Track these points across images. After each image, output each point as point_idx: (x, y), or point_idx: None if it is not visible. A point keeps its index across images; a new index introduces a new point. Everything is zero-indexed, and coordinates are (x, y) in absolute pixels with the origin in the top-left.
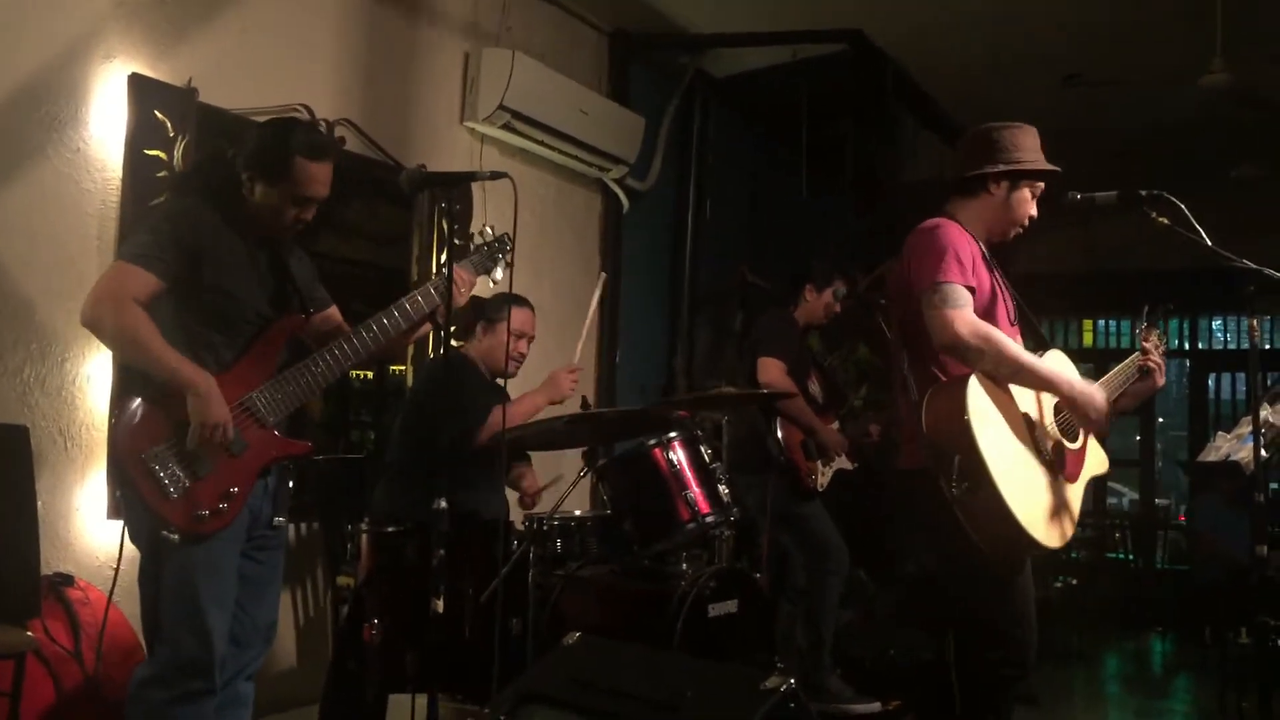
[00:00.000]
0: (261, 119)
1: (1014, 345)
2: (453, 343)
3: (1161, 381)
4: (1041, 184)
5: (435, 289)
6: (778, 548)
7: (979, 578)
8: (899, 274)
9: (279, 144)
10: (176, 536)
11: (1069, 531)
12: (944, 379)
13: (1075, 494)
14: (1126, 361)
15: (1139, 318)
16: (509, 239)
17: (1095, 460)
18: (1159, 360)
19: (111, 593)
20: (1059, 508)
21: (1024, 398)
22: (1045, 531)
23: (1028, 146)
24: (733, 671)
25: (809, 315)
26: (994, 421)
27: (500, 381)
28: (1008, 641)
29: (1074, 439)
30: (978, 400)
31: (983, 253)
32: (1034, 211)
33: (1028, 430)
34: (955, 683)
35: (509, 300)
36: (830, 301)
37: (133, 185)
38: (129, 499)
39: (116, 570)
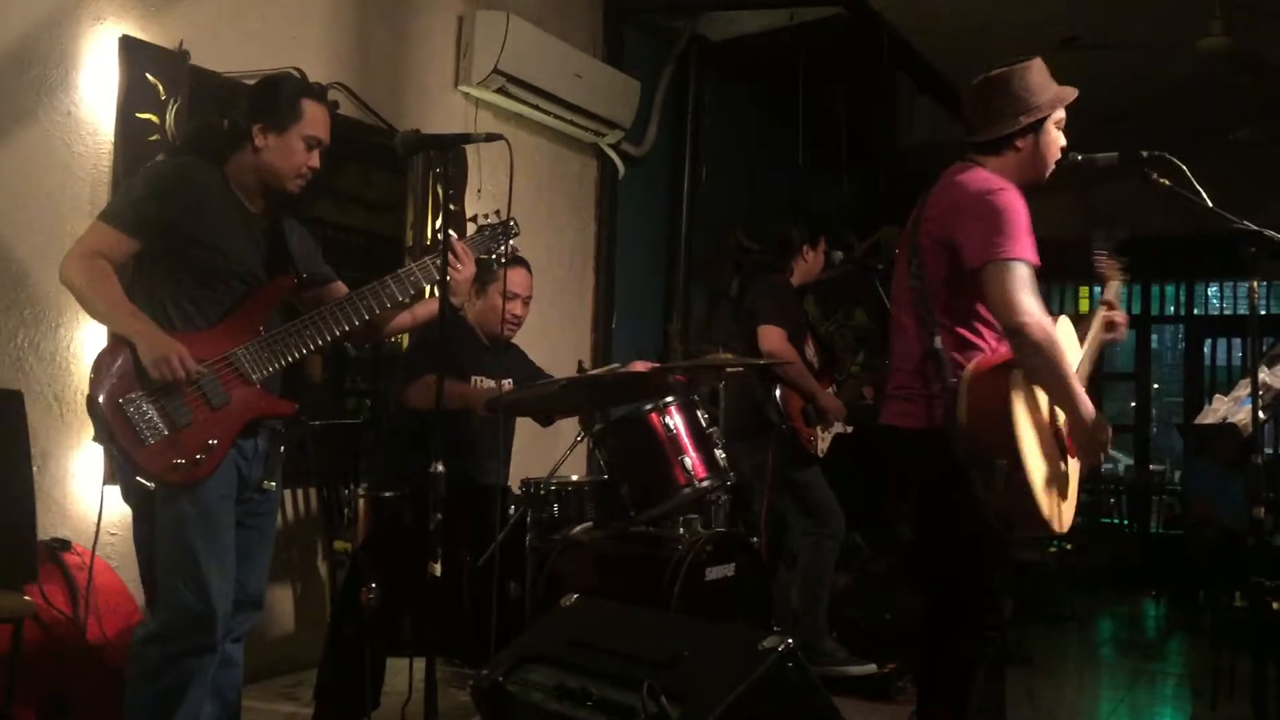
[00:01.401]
0: (253, 82)
1: (1068, 362)
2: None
3: (1121, 335)
4: (1062, 112)
5: (434, 265)
6: (775, 512)
7: (979, 546)
8: (936, 224)
9: (284, 91)
10: (152, 485)
11: (1072, 512)
12: (984, 349)
13: (1075, 471)
14: (1094, 330)
15: (1098, 242)
16: (514, 228)
17: None
18: (1121, 316)
19: (95, 547)
20: (1068, 492)
21: None
22: (1060, 519)
23: (1038, 85)
24: (731, 631)
25: (806, 275)
26: (1030, 420)
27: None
28: (996, 606)
29: None
30: (1020, 396)
31: None
32: (1063, 141)
33: (1050, 421)
34: (934, 646)
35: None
36: (823, 256)
37: (124, 148)
38: (109, 450)
39: (97, 529)
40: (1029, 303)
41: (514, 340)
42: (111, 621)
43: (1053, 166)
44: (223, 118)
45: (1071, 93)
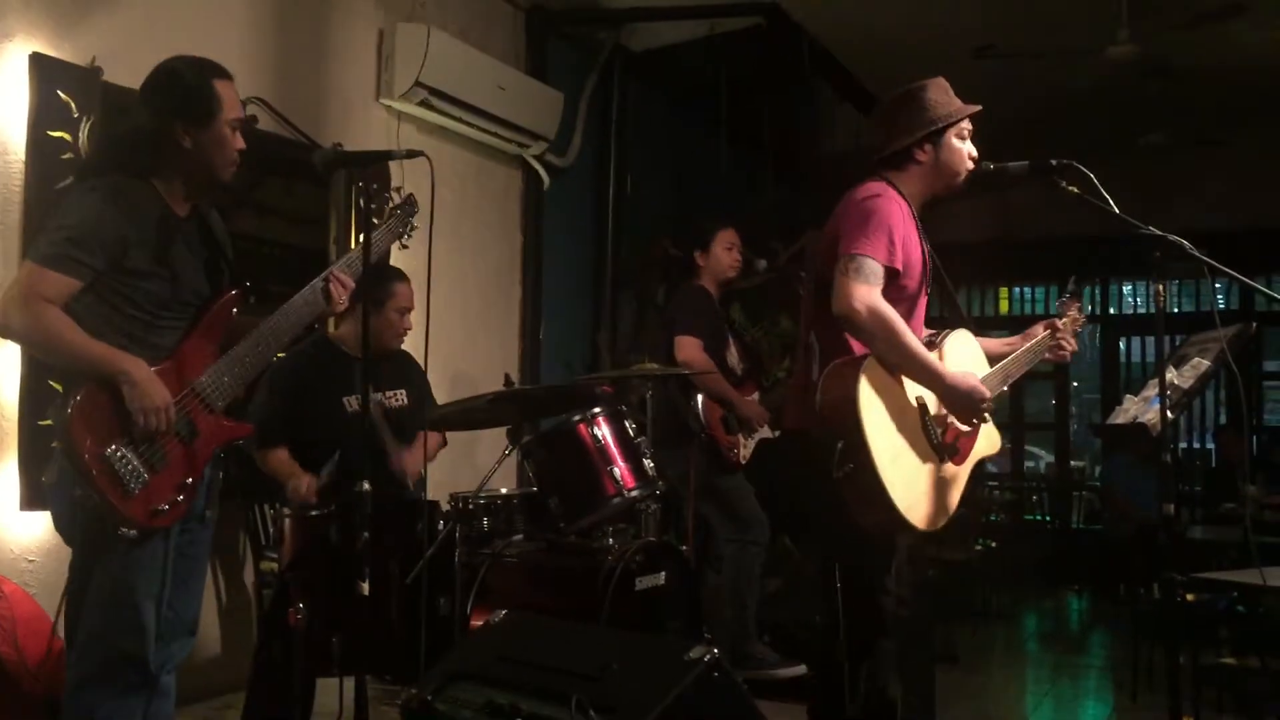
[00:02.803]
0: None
1: (908, 336)
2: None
3: (1067, 358)
4: (967, 125)
5: (320, 292)
6: (701, 519)
7: (860, 542)
8: (827, 235)
9: (194, 80)
10: (134, 533)
11: (949, 514)
12: (852, 351)
13: (961, 478)
14: (1038, 340)
15: (1064, 288)
16: (415, 201)
17: (987, 441)
18: (1070, 342)
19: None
20: (941, 493)
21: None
22: (923, 516)
23: (938, 101)
24: (657, 643)
25: (715, 276)
26: (883, 407)
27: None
28: (883, 592)
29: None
30: (870, 384)
31: (917, 225)
32: (973, 151)
33: (920, 416)
34: (842, 641)
35: (393, 276)
36: (725, 251)
37: (36, 167)
38: (82, 497)
39: None
40: (859, 290)
41: (433, 350)
42: (32, 651)
43: (963, 175)
44: (130, 125)
45: (973, 108)
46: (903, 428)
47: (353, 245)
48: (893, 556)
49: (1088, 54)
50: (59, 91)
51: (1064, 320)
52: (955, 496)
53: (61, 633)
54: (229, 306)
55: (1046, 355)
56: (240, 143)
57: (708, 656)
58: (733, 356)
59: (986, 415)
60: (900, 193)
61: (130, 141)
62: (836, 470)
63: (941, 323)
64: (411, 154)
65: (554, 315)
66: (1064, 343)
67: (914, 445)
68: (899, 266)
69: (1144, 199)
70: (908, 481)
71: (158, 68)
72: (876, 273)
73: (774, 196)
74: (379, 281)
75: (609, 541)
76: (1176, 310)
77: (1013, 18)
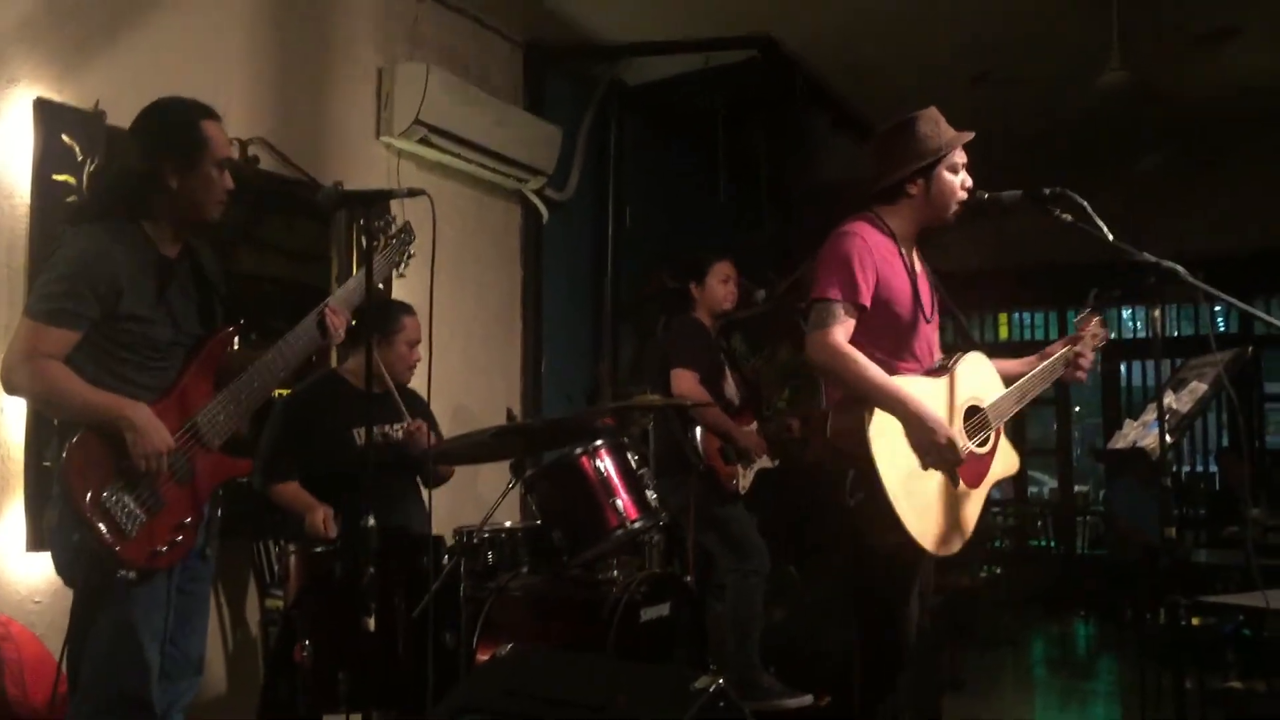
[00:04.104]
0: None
1: (868, 369)
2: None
3: (1083, 378)
4: (960, 157)
5: (315, 325)
6: (702, 549)
7: (875, 565)
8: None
9: (181, 120)
10: (134, 574)
11: (965, 537)
12: None
13: (976, 499)
14: (1054, 358)
15: (1067, 302)
16: (411, 229)
17: (1004, 463)
18: (1089, 357)
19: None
20: (954, 517)
21: (934, 406)
22: (935, 541)
23: (928, 134)
24: (664, 673)
25: (711, 307)
26: (893, 434)
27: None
28: (902, 619)
29: (983, 444)
30: (879, 414)
31: (903, 254)
32: (967, 182)
33: None
34: (858, 664)
35: (400, 310)
36: (720, 284)
37: (40, 211)
38: (80, 540)
39: None
40: (815, 336)
41: (435, 384)
42: (38, 692)
43: (955, 207)
44: (120, 166)
45: (964, 137)
46: (912, 455)
47: None
48: (913, 585)
49: (1081, 80)
50: (63, 135)
51: (1082, 338)
52: (970, 518)
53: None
54: (222, 344)
55: (1066, 374)
56: (228, 182)
57: (713, 686)
58: (730, 388)
59: (950, 450)
60: (886, 227)
61: (119, 183)
62: (849, 499)
63: (953, 349)
64: (413, 192)
65: (555, 348)
66: (1082, 359)
67: (924, 470)
68: (863, 301)
69: (1141, 222)
70: (919, 507)
71: (145, 109)
72: (834, 313)
73: (771, 227)
74: (387, 315)
75: (613, 573)
76: (1176, 334)
77: (1006, 46)
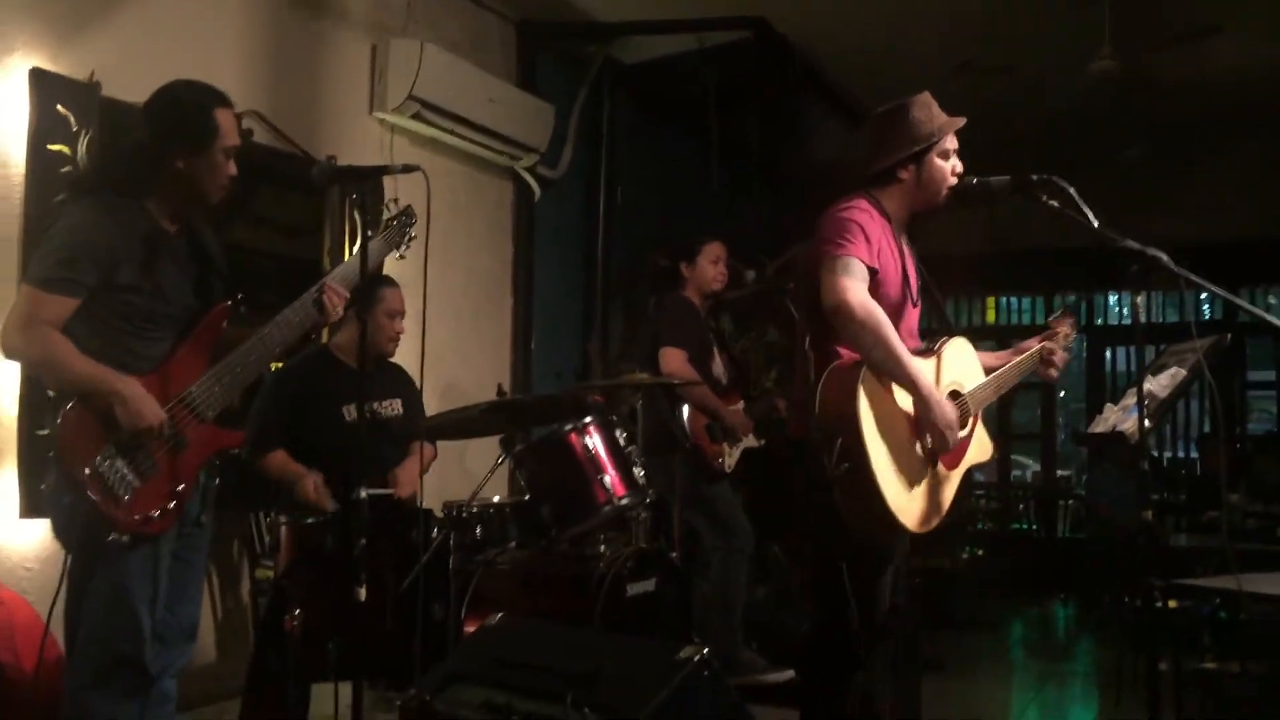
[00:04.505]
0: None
1: (895, 336)
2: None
3: (1055, 377)
4: (952, 140)
5: (313, 303)
6: (688, 527)
7: (856, 547)
8: (812, 252)
9: (194, 106)
10: (127, 538)
11: (940, 516)
12: (843, 359)
13: (952, 482)
14: (1029, 354)
15: (1050, 298)
16: (414, 212)
17: (978, 448)
18: (1061, 359)
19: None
20: (932, 495)
21: None
22: (914, 517)
23: (921, 119)
24: (649, 644)
25: (700, 288)
26: (880, 411)
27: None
28: (876, 595)
29: (962, 429)
30: (868, 388)
31: (894, 236)
32: (958, 167)
33: (911, 422)
34: (823, 641)
35: (380, 281)
36: (711, 264)
37: (36, 181)
38: (73, 504)
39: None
40: (848, 282)
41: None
42: (29, 657)
43: (945, 191)
44: (129, 143)
45: (957, 123)
46: (896, 431)
47: (347, 255)
48: (888, 563)
49: (1070, 68)
50: (58, 106)
51: (1057, 337)
52: (947, 500)
53: (54, 638)
54: (218, 319)
55: (1039, 371)
56: (233, 169)
57: (697, 656)
58: (718, 367)
59: (954, 436)
60: (881, 208)
61: (126, 159)
62: (834, 468)
63: (933, 335)
64: (408, 168)
65: (545, 325)
66: (1055, 360)
67: (907, 449)
68: (877, 268)
69: (1128, 211)
70: (900, 483)
71: (161, 89)
72: (862, 272)
73: (762, 208)
74: (367, 287)
75: (601, 549)
76: (1161, 320)
77: (996, 33)
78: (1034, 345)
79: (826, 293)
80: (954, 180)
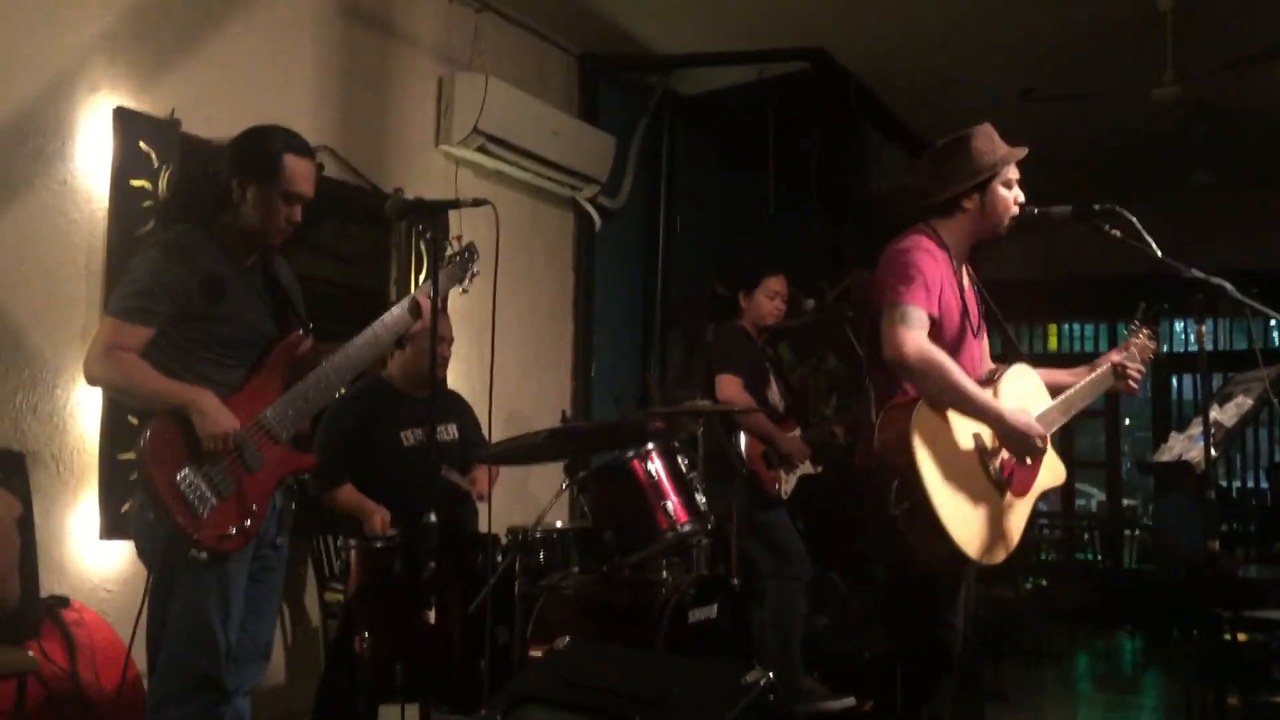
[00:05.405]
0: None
1: (958, 374)
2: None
3: (1135, 389)
4: (1014, 169)
5: (409, 308)
6: (744, 554)
7: (917, 574)
8: (871, 287)
9: (266, 145)
10: (205, 555)
11: (1010, 546)
12: (903, 393)
13: (1023, 509)
14: (1102, 370)
15: (1114, 313)
16: (476, 248)
17: (1050, 473)
18: (1139, 369)
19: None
20: (1000, 525)
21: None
22: (980, 549)
23: (983, 150)
24: (715, 667)
25: (756, 319)
26: (938, 445)
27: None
28: (945, 628)
29: None
30: (922, 424)
31: (955, 270)
32: (1019, 196)
33: (977, 451)
34: (900, 672)
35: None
36: (767, 299)
37: (118, 215)
38: (154, 522)
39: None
40: (906, 335)
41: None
42: (108, 676)
43: (1007, 221)
44: (209, 175)
45: (1019, 153)
46: (958, 463)
47: (412, 284)
48: (957, 592)
49: (1132, 95)
50: (140, 142)
51: (1130, 350)
52: (1016, 528)
53: (136, 658)
54: (292, 346)
55: (1116, 385)
56: (295, 216)
57: (763, 680)
58: (774, 394)
59: (1043, 449)
60: (941, 240)
61: (201, 190)
62: (894, 508)
63: (1000, 360)
64: (478, 202)
65: (605, 353)
66: (1132, 371)
67: (971, 480)
68: (936, 313)
69: (1193, 237)
70: (964, 516)
71: (249, 129)
72: (921, 319)
73: (821, 237)
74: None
75: (663, 574)
76: (1230, 348)
77: (1058, 60)
78: (1108, 360)
79: (887, 345)
80: (1016, 210)
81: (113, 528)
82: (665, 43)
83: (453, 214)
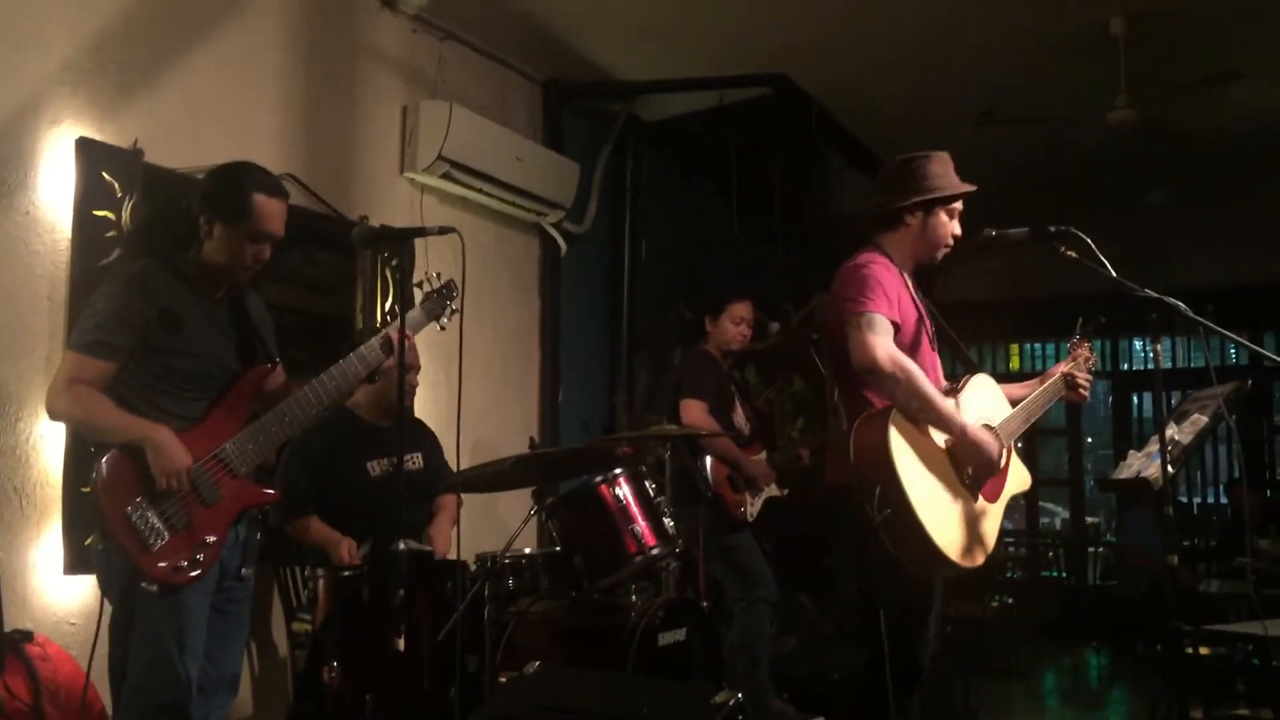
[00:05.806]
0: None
1: (925, 382)
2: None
3: (1085, 396)
4: (958, 204)
5: (381, 344)
6: (711, 577)
7: (900, 584)
8: (831, 306)
9: (236, 184)
10: (155, 588)
11: (987, 550)
12: (873, 407)
13: (995, 513)
14: (1054, 381)
15: (1071, 332)
16: (455, 286)
17: (1017, 479)
18: (1085, 380)
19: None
20: (977, 529)
21: None
22: (962, 553)
23: (937, 174)
24: (684, 689)
25: (721, 344)
26: (913, 452)
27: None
28: (917, 640)
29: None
30: (898, 433)
31: (907, 284)
32: (956, 230)
33: (947, 458)
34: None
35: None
36: (733, 324)
37: (81, 246)
38: (107, 553)
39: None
40: (874, 340)
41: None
42: (72, 711)
43: (942, 249)
44: (176, 209)
45: (967, 188)
46: (933, 470)
47: (378, 311)
48: (930, 606)
49: (1088, 118)
50: (104, 173)
51: (1076, 361)
52: (991, 533)
53: (95, 691)
54: (257, 380)
55: (1067, 395)
56: (264, 255)
57: (732, 701)
58: (739, 417)
59: (999, 466)
60: (890, 257)
61: (166, 224)
62: (876, 515)
63: (956, 377)
64: (444, 230)
65: (571, 378)
66: (1081, 380)
67: (946, 486)
68: (899, 320)
69: (1150, 256)
70: (944, 520)
71: (221, 166)
72: (886, 326)
73: (784, 259)
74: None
75: (632, 598)
76: (1189, 365)
77: (1013, 85)
78: (1057, 371)
79: (855, 352)
80: (950, 242)
81: (77, 562)
82: (628, 69)
83: (418, 241)
